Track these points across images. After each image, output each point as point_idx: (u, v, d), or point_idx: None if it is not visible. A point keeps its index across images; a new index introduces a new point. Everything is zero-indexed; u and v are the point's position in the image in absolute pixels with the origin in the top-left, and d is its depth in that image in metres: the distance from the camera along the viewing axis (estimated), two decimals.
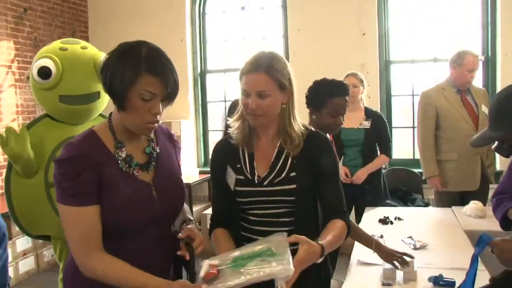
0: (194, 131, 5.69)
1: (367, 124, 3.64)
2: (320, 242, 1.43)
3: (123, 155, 1.41)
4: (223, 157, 1.70)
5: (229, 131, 1.70)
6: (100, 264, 1.34)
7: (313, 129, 1.69)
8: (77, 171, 1.33)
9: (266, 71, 1.54)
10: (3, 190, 2.81)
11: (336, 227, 1.56)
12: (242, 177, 1.64)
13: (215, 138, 5.75)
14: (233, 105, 4.23)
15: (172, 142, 1.60)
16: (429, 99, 3.65)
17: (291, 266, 1.28)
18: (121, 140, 1.42)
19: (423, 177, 3.76)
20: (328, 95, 2.22)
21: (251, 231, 1.65)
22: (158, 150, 1.50)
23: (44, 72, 2.42)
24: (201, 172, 5.44)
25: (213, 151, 1.78)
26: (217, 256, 1.41)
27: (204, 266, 1.32)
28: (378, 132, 3.65)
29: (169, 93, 1.36)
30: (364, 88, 3.79)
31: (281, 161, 1.62)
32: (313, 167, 1.61)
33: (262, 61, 1.56)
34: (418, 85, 5.05)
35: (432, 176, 3.62)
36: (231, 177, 1.65)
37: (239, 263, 1.33)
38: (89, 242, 1.35)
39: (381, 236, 2.64)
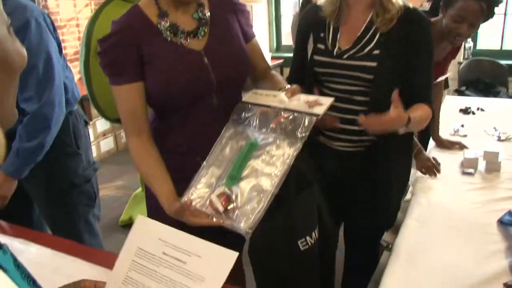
0: (266, 16, 5.51)
1: (427, 6, 3.22)
2: (409, 114, 1.37)
3: (167, 25, 1.32)
4: (309, 24, 1.62)
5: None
6: (134, 150, 1.34)
7: (411, 6, 1.51)
8: (113, 47, 1.28)
9: None
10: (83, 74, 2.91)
11: (423, 109, 1.47)
12: (322, 47, 1.57)
13: (287, 23, 5.53)
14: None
15: (231, 5, 1.45)
16: None
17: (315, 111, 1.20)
18: (164, 9, 1.33)
19: None
20: None
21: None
22: (208, 14, 1.38)
23: None
24: (273, 57, 5.32)
25: (301, 17, 1.70)
26: (196, 184, 1.24)
27: (214, 199, 1.17)
28: None
29: None
30: None
31: (367, 36, 1.49)
32: (402, 48, 1.47)
33: None
34: None
35: None
36: (311, 46, 1.59)
37: (236, 177, 1.19)
38: (128, 123, 1.34)
39: (462, 126, 2.52)
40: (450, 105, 2.96)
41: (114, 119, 2.89)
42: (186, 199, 1.20)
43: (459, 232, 1.53)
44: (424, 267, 1.36)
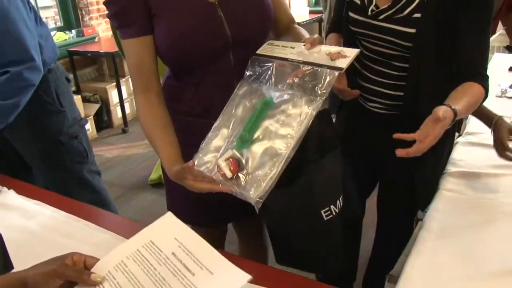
0: None
1: None
2: (453, 107, 1.15)
3: None
4: None
5: None
6: (140, 108, 1.26)
7: None
8: None
9: None
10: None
11: (472, 91, 1.25)
12: (358, 2, 1.39)
13: None
14: None
15: None
16: None
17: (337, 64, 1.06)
18: None
19: None
20: None
21: (364, 67, 1.46)
22: None
23: None
24: (311, 12, 5.16)
25: None
26: (205, 147, 1.14)
27: (221, 163, 1.06)
28: None
29: None
30: None
31: None
32: (451, 9, 1.25)
33: None
34: None
35: None
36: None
37: (248, 139, 1.08)
38: (136, 80, 1.25)
39: (511, 86, 2.32)
40: (499, 63, 2.74)
41: None
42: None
43: (498, 209, 1.38)
44: (455, 245, 1.24)
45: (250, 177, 1.03)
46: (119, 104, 4.46)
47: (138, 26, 1.20)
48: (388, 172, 1.60)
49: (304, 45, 1.17)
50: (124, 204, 3.08)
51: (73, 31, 4.56)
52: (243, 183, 1.03)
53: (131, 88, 4.51)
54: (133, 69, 1.25)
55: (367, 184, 1.75)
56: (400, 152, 1.09)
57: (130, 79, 4.51)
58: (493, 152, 1.55)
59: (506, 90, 2.29)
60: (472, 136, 1.83)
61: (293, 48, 1.19)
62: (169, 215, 0.97)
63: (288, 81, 1.11)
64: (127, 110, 4.58)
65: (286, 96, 1.09)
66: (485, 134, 1.80)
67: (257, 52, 1.23)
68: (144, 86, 1.25)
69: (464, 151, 1.72)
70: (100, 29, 4.80)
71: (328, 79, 1.05)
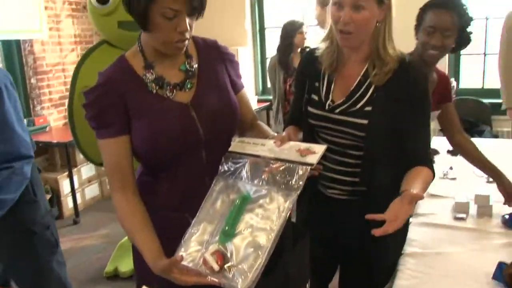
0: (251, 58, 5.54)
1: None
2: (415, 192, 1.29)
3: (152, 77, 1.29)
4: (305, 69, 1.61)
5: None
6: (118, 205, 1.30)
7: (407, 58, 1.46)
8: (98, 100, 1.26)
9: None
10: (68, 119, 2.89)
11: (423, 174, 1.41)
12: (316, 98, 1.54)
13: None
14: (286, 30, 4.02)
15: (221, 56, 1.42)
16: None
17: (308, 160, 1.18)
18: (151, 61, 1.30)
19: (503, 107, 3.45)
20: (427, 5, 1.87)
21: (323, 157, 1.56)
22: (195, 66, 1.36)
23: None
24: (259, 101, 5.35)
25: (300, 60, 1.70)
26: (187, 242, 1.19)
27: (207, 257, 1.12)
28: None
29: (195, 7, 1.20)
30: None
31: (360, 91, 1.46)
32: (396, 105, 1.43)
33: None
34: (492, 8, 4.62)
35: None
36: (305, 95, 1.58)
37: (230, 233, 1.15)
38: (113, 178, 1.30)
39: (451, 168, 2.51)
40: (438, 146, 2.96)
41: (100, 163, 2.87)
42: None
43: (457, 284, 1.48)
44: None
45: (236, 269, 1.08)
46: (70, 194, 4.37)
47: (116, 127, 1.26)
48: (348, 254, 1.66)
49: (274, 142, 1.27)
50: None
51: (24, 120, 4.52)
52: (230, 275, 1.08)
53: (83, 178, 4.45)
54: (110, 168, 1.30)
55: (329, 267, 1.81)
56: (377, 232, 1.19)
57: (82, 169, 4.50)
58: (444, 232, 1.67)
59: (447, 172, 2.47)
60: (423, 217, 1.95)
61: (264, 145, 1.29)
62: None
63: (263, 176, 1.20)
64: (79, 200, 4.48)
65: (263, 191, 1.18)
66: (436, 215, 1.94)
67: (230, 149, 1.32)
68: (121, 184, 1.29)
69: (418, 232, 1.83)
70: (52, 119, 4.79)
71: (301, 173, 1.16)
